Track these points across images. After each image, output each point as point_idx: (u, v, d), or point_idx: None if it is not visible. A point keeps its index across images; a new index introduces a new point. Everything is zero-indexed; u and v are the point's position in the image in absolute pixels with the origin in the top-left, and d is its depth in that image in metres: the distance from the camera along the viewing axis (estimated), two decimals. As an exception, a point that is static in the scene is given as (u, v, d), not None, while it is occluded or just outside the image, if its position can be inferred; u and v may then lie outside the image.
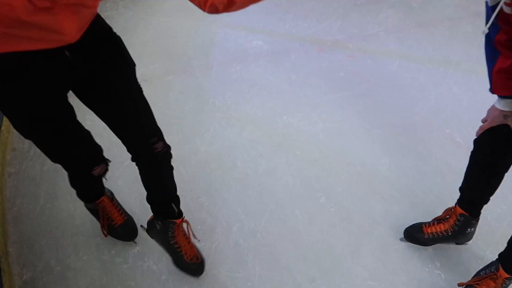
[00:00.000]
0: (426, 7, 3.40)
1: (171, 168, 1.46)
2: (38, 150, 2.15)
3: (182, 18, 3.08)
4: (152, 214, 1.55)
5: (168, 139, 2.15)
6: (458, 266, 1.57)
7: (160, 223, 1.50)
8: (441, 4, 3.44)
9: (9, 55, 0.92)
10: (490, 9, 1.04)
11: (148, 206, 1.54)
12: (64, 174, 2.00)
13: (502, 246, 1.49)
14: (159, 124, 1.36)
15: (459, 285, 1.44)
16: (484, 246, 1.64)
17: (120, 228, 1.64)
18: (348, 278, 1.55)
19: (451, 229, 1.49)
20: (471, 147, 1.45)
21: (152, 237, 1.59)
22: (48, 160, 2.07)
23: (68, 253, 1.64)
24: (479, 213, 1.48)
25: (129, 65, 1.22)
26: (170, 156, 1.42)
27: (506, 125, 1.22)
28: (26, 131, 1.15)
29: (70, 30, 0.95)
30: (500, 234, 1.65)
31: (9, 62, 0.95)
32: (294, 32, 3.07)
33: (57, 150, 1.27)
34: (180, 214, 1.53)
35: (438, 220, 1.55)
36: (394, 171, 1.97)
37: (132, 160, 1.39)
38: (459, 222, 1.47)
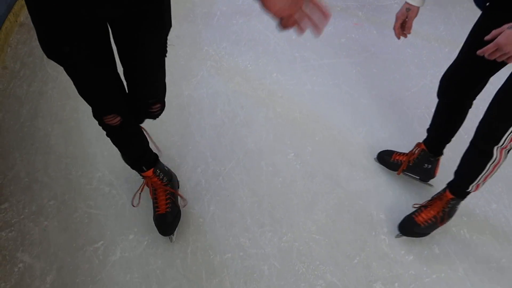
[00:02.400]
0: (449, -15, 3.26)
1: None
2: (28, 71, 2.23)
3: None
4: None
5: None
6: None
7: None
8: (466, -16, 3.29)
9: None
10: None
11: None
12: (47, 96, 2.07)
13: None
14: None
15: (413, 206, 1.59)
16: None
17: (158, 217, 1.52)
18: (296, 229, 1.59)
19: (412, 161, 1.68)
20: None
21: None
22: (35, 82, 2.15)
23: (38, 168, 1.73)
24: (438, 152, 1.63)
25: (162, 24, 1.15)
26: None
27: (462, 68, 1.35)
28: (53, 49, 1.05)
29: None
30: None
31: None
32: (305, -7, 3.00)
33: (86, 82, 1.17)
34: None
35: (405, 153, 1.75)
36: (368, 140, 1.96)
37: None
38: (420, 156, 1.66)
